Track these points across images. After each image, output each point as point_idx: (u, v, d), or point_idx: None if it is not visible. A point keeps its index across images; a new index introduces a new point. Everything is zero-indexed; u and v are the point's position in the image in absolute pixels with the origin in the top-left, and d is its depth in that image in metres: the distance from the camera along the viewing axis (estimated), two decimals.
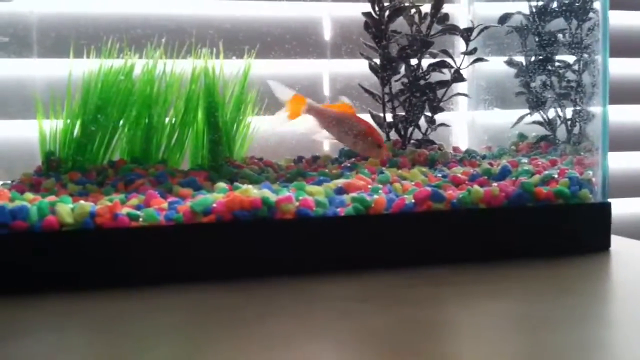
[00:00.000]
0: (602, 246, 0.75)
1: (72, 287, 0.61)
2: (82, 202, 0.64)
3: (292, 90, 0.87)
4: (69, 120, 0.80)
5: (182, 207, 0.66)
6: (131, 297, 0.59)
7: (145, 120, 0.82)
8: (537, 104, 0.93)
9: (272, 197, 0.67)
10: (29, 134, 0.83)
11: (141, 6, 0.91)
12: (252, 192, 0.68)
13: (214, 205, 0.66)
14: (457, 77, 0.94)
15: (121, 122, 0.82)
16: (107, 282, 0.62)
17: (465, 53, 0.94)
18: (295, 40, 0.96)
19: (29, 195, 0.67)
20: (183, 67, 0.84)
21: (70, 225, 0.62)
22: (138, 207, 0.67)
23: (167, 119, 0.84)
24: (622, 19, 1.18)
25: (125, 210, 0.65)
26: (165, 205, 0.67)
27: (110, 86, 0.81)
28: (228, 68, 0.86)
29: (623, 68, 1.18)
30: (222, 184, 0.72)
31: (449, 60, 0.94)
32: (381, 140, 0.87)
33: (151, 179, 0.76)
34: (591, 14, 0.89)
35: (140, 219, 0.64)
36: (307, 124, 0.88)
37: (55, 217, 0.62)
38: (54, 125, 0.80)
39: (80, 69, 0.81)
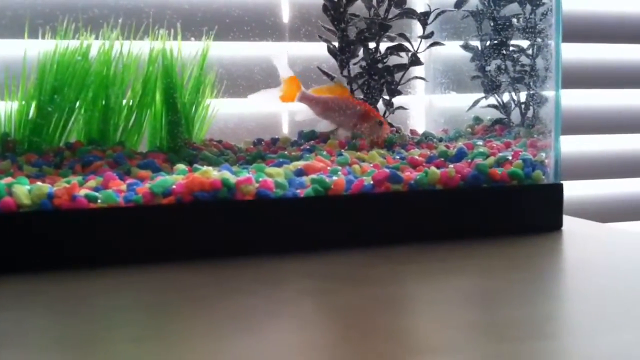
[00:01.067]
0: (555, 226, 0.78)
1: (32, 269, 0.61)
2: (39, 183, 0.63)
3: (291, 71, 0.87)
4: (24, 102, 0.79)
5: (141, 189, 0.66)
6: (93, 278, 0.59)
7: (102, 101, 0.81)
8: (492, 88, 0.95)
9: (232, 179, 0.68)
10: None
11: None
12: (212, 173, 0.68)
13: (174, 186, 0.66)
14: (415, 60, 0.96)
15: (78, 103, 0.81)
16: (68, 264, 0.62)
17: (423, 37, 0.95)
18: (254, 22, 0.96)
19: None
20: (141, 48, 0.83)
21: (27, 207, 0.62)
22: (96, 189, 0.66)
23: (124, 101, 0.83)
24: (575, 4, 1.21)
25: (83, 191, 0.64)
26: (124, 187, 0.67)
27: (67, 67, 0.79)
28: (186, 50, 0.85)
29: (575, 53, 1.21)
30: (181, 166, 0.72)
31: (406, 44, 0.95)
32: (381, 118, 0.87)
33: (109, 161, 0.75)
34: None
35: (99, 201, 0.64)
36: (304, 114, 0.89)
37: (12, 198, 0.62)
38: (9, 107, 0.79)
39: (35, 49, 0.79)
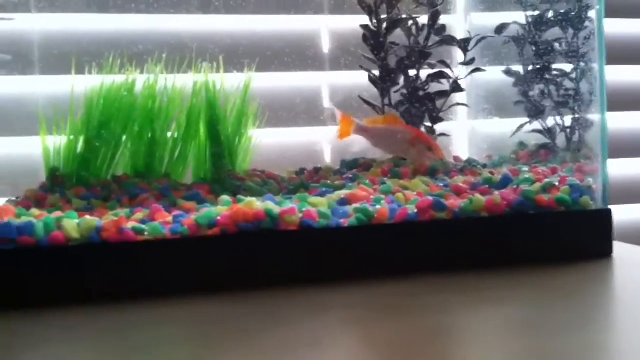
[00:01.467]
0: (604, 252, 0.76)
1: (80, 302, 0.62)
2: (87, 216, 0.65)
3: (340, 111, 0.89)
4: (72, 136, 0.81)
5: (186, 221, 0.67)
6: (138, 310, 0.60)
7: (148, 134, 0.83)
8: (536, 113, 0.94)
9: (276, 209, 0.68)
10: (32, 151, 0.83)
11: (142, 22, 0.91)
12: (256, 204, 0.68)
13: (219, 218, 0.67)
14: (456, 87, 0.95)
15: (124, 137, 0.82)
16: (114, 296, 0.63)
17: (463, 63, 0.95)
18: (295, 54, 0.97)
19: (35, 211, 0.68)
20: (184, 81, 0.85)
21: (76, 240, 0.63)
22: (143, 221, 0.67)
23: (169, 133, 0.84)
24: (618, 27, 1.19)
25: (130, 224, 0.65)
26: (170, 218, 0.68)
27: (113, 101, 0.81)
28: (229, 82, 0.87)
29: (620, 75, 1.19)
30: (225, 197, 0.72)
31: (447, 70, 0.95)
32: (431, 143, 0.88)
33: (155, 193, 0.76)
34: (587, 23, 0.89)
35: (146, 233, 0.65)
36: (359, 144, 0.90)
37: (61, 232, 0.63)
38: (57, 142, 0.81)
39: (82, 85, 0.81)
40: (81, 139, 0.81)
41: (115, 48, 0.85)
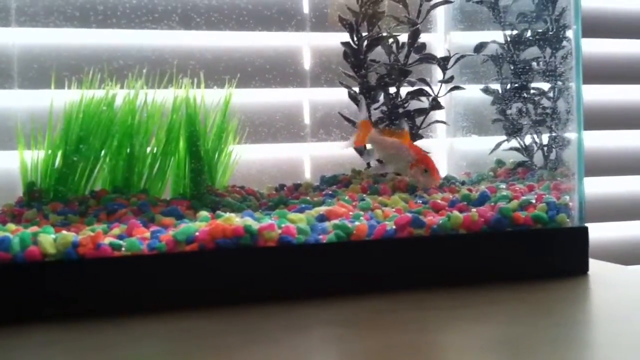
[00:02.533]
0: (580, 269, 0.76)
1: (56, 317, 0.61)
2: (64, 232, 0.64)
3: (365, 115, 0.89)
4: (50, 151, 0.80)
5: (164, 236, 0.66)
6: (116, 326, 0.59)
7: (126, 150, 0.83)
8: (513, 131, 0.95)
9: (255, 225, 0.68)
10: (9, 165, 0.83)
11: (122, 37, 0.91)
12: (235, 220, 0.68)
13: (197, 233, 0.67)
14: (435, 105, 0.96)
15: (103, 152, 0.82)
16: (91, 312, 0.62)
17: (443, 81, 0.96)
18: (276, 70, 0.97)
19: (11, 226, 0.67)
20: (164, 97, 0.85)
21: (52, 256, 0.62)
22: (120, 237, 0.67)
23: (148, 149, 0.84)
24: (594, 47, 1.21)
25: (107, 240, 0.65)
26: (147, 234, 0.68)
27: (92, 116, 0.81)
28: (209, 98, 0.87)
29: (596, 94, 1.21)
30: (204, 213, 0.72)
31: (426, 88, 0.96)
32: (430, 166, 0.86)
33: (133, 209, 0.76)
34: (564, 42, 0.91)
35: (123, 249, 0.65)
36: (370, 157, 0.91)
37: (37, 247, 0.62)
38: (35, 156, 0.80)
39: (61, 99, 0.81)
40: (59, 154, 0.80)
41: (96, 63, 0.85)
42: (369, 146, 0.92)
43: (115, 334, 0.57)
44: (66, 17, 0.89)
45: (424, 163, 0.86)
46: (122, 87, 0.84)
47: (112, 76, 0.84)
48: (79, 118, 0.81)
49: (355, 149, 0.94)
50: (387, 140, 0.88)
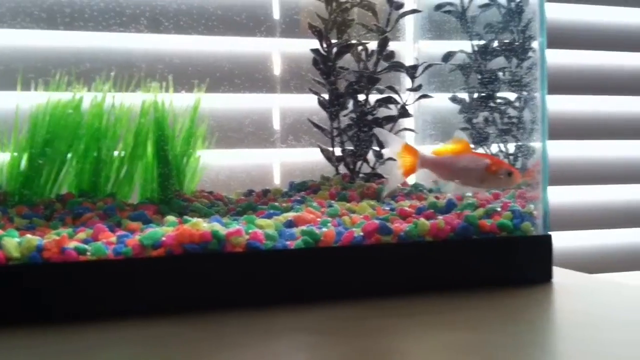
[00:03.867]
0: (545, 277, 0.78)
1: (19, 322, 0.60)
2: (29, 235, 0.63)
3: (401, 139, 0.79)
4: (16, 154, 0.79)
5: (131, 241, 0.66)
6: (82, 333, 0.58)
7: (94, 153, 0.82)
8: (480, 139, 0.96)
9: (222, 230, 0.68)
10: None
11: (90, 40, 0.91)
12: (202, 225, 0.68)
13: (164, 238, 0.66)
14: (403, 112, 0.97)
15: (69, 155, 0.81)
16: (55, 317, 0.62)
17: (411, 89, 0.97)
18: (245, 75, 0.97)
19: None
20: (132, 100, 0.84)
21: (17, 260, 0.62)
22: (86, 241, 0.66)
23: (116, 153, 0.83)
24: (559, 58, 1.23)
25: (73, 244, 0.64)
26: (114, 239, 0.67)
27: (59, 119, 0.80)
28: (178, 102, 0.86)
29: (561, 105, 1.23)
30: (171, 217, 0.72)
31: (395, 96, 0.96)
32: (510, 167, 0.77)
33: (100, 213, 0.75)
34: (530, 53, 0.92)
35: (88, 253, 0.64)
36: (426, 177, 0.79)
37: (1, 251, 0.61)
38: (0, 159, 0.79)
39: (28, 102, 0.80)
40: (25, 157, 0.79)
41: (63, 65, 0.84)
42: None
43: (79, 341, 0.56)
44: (33, 18, 0.88)
45: (503, 166, 0.76)
46: (89, 90, 0.83)
47: (79, 79, 0.83)
48: (45, 121, 0.80)
49: (323, 152, 0.95)
50: (446, 158, 0.77)
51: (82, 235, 0.68)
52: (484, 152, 0.79)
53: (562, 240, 1.23)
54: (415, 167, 0.78)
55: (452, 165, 0.77)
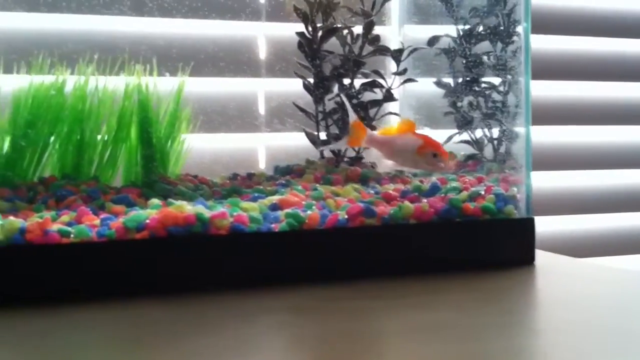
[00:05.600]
0: (527, 260, 0.78)
1: (1, 304, 0.60)
2: (11, 217, 0.63)
3: (355, 115, 0.82)
4: None
5: (114, 223, 0.66)
6: (63, 314, 0.58)
7: (77, 136, 0.81)
8: (464, 124, 0.96)
9: (206, 213, 0.68)
10: None
11: (73, 22, 0.90)
12: (186, 207, 0.68)
13: (147, 221, 0.66)
14: (389, 96, 0.97)
15: (52, 138, 0.81)
16: (37, 299, 0.61)
17: (396, 73, 0.97)
18: (230, 58, 0.97)
19: None
20: (116, 83, 0.84)
21: None
22: (69, 224, 0.66)
23: (99, 136, 0.83)
24: (543, 43, 1.23)
25: (56, 226, 0.64)
26: (97, 221, 0.67)
27: (41, 101, 0.79)
28: (162, 85, 0.86)
29: (544, 90, 1.23)
30: (155, 200, 0.72)
31: (380, 80, 0.96)
32: (438, 149, 0.79)
33: (83, 196, 0.75)
34: (515, 38, 0.92)
35: (72, 235, 0.64)
36: (373, 156, 0.84)
37: None
38: None
39: (10, 84, 0.79)
40: (7, 139, 0.79)
41: (45, 47, 0.83)
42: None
43: (60, 321, 0.56)
44: (15, 0, 0.87)
45: (429, 147, 0.78)
46: (72, 73, 0.82)
47: (62, 61, 0.82)
48: (27, 103, 0.79)
49: (308, 136, 0.95)
50: (388, 137, 0.80)
51: (65, 218, 0.67)
52: (424, 134, 0.81)
53: (548, 225, 1.24)
54: (360, 142, 0.82)
55: (391, 145, 0.80)
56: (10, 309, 0.59)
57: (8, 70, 0.81)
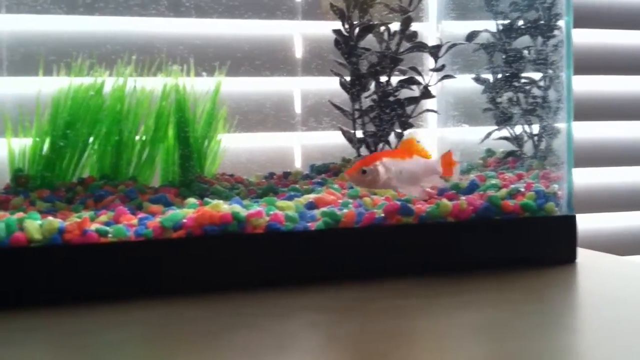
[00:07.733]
0: (569, 258, 0.76)
1: (41, 303, 0.61)
2: (50, 218, 0.64)
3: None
4: (38, 138, 0.80)
5: (151, 223, 0.66)
6: (101, 312, 0.59)
7: (115, 137, 0.82)
8: (504, 120, 0.95)
9: (243, 212, 0.68)
10: None
11: (111, 24, 0.91)
12: (223, 207, 0.68)
13: (184, 220, 0.66)
14: (426, 93, 0.96)
15: (91, 138, 0.82)
16: (76, 298, 0.62)
17: (434, 70, 0.96)
18: (266, 57, 0.97)
19: None
20: (154, 84, 0.84)
21: (38, 242, 0.62)
22: (107, 224, 0.66)
23: (137, 136, 0.84)
24: (585, 37, 1.21)
25: (94, 226, 0.65)
26: (135, 221, 0.67)
27: (80, 103, 0.81)
28: (199, 85, 0.86)
29: (586, 85, 1.21)
30: (192, 200, 0.72)
31: (417, 77, 0.95)
32: (361, 166, 0.72)
33: (121, 196, 0.76)
34: (556, 32, 0.90)
35: (110, 235, 0.64)
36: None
37: (23, 233, 0.62)
38: (22, 143, 0.80)
39: (50, 86, 0.80)
40: (47, 141, 0.80)
41: (84, 49, 0.84)
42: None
43: (98, 320, 0.57)
44: (54, 2, 0.88)
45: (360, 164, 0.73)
46: (111, 74, 0.83)
47: (101, 62, 0.83)
48: (67, 104, 0.80)
49: (344, 134, 0.94)
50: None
51: (103, 218, 0.68)
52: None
53: (591, 223, 1.21)
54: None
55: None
56: (49, 308, 0.60)
57: (48, 72, 0.82)
